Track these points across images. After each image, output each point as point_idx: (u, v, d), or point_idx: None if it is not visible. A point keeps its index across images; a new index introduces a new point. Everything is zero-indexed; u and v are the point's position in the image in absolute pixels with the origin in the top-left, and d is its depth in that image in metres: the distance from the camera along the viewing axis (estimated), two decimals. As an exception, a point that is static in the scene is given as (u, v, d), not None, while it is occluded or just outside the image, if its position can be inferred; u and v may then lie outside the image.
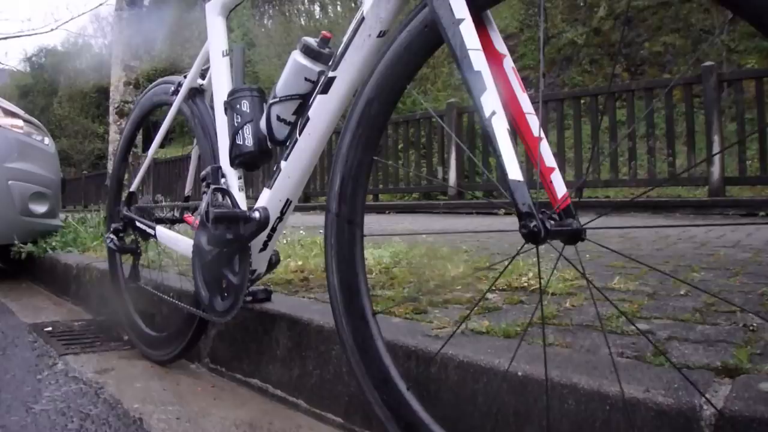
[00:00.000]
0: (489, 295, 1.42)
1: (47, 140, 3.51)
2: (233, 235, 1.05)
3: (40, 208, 3.25)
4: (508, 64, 0.81)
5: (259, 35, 16.16)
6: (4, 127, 3.15)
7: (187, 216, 1.41)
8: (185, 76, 1.45)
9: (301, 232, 2.55)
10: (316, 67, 1.04)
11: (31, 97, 21.51)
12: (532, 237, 0.63)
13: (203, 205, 1.08)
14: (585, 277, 0.72)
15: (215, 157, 1.27)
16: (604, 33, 10.71)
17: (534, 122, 0.78)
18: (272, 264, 1.22)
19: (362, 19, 0.92)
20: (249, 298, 1.38)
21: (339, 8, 13.05)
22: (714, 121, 4.75)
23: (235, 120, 1.16)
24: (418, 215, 6.06)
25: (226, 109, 1.20)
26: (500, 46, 0.82)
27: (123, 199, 1.68)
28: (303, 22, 14.04)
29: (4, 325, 2.07)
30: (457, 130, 6.80)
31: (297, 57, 1.05)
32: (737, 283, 1.48)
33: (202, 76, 1.42)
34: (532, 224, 0.63)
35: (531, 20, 11.39)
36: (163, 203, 1.56)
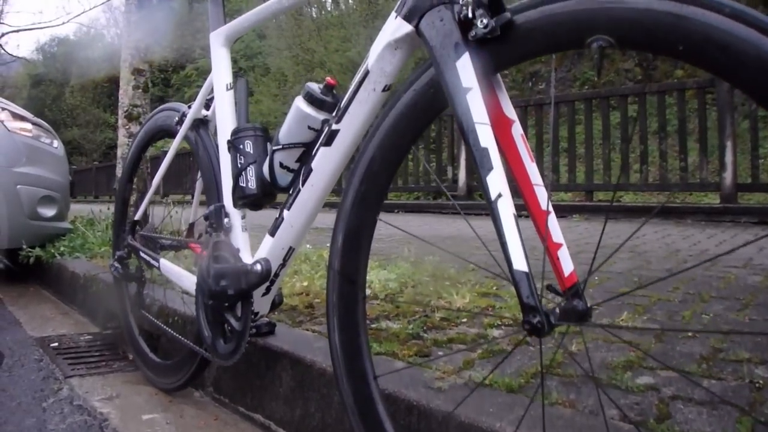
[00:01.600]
0: (495, 332, 1.40)
1: (56, 143, 3.51)
2: (234, 290, 1.04)
3: (49, 212, 3.27)
4: (517, 131, 0.78)
5: (269, 26, 16.08)
6: (12, 131, 3.16)
7: (193, 244, 1.40)
8: (190, 106, 1.43)
9: (308, 246, 2.53)
10: (320, 116, 1.02)
11: (43, 86, 21.62)
12: (536, 332, 0.62)
13: (205, 261, 1.07)
14: (591, 376, 0.70)
15: (219, 193, 1.26)
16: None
17: (542, 195, 0.76)
18: (275, 304, 1.22)
19: (366, 72, 0.90)
20: (253, 331, 1.37)
21: (350, 0, 12.94)
22: (727, 126, 4.68)
23: (239, 161, 1.15)
24: (427, 215, 6.04)
25: (229, 148, 1.19)
26: (509, 111, 0.79)
27: (128, 222, 1.67)
28: (314, 14, 13.94)
29: (12, 339, 2.09)
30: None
31: (300, 104, 1.03)
32: (746, 319, 1.46)
33: (207, 106, 1.40)
34: (535, 320, 0.61)
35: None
36: (167, 236, 1.55)
